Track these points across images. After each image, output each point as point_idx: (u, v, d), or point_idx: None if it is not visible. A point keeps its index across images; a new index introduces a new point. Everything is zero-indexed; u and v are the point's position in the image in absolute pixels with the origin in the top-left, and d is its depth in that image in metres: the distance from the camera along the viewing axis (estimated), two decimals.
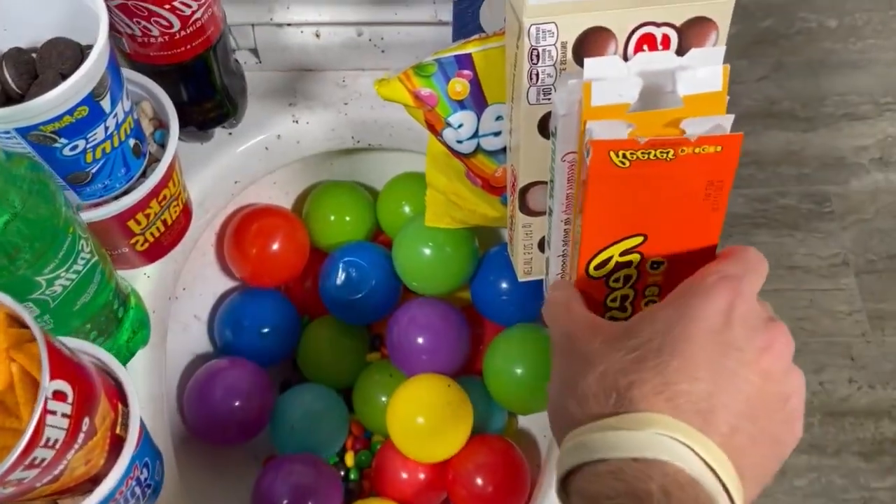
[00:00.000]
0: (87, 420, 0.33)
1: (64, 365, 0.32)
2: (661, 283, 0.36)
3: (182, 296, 0.61)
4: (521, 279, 0.52)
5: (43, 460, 0.31)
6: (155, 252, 0.51)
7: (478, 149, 0.48)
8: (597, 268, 0.36)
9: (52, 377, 0.30)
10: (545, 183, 0.45)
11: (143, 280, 0.52)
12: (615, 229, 0.35)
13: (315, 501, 0.54)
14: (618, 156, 0.33)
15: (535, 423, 0.62)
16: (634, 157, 0.33)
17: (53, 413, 0.30)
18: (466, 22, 0.47)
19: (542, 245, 0.50)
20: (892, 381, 0.91)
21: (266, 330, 0.62)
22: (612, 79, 0.35)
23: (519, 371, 0.57)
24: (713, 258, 0.34)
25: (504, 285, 0.60)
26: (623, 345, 0.29)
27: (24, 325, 0.33)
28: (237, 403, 0.57)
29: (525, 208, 0.47)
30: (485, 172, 0.50)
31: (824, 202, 1.03)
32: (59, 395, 0.31)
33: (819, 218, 1.01)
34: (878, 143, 1.07)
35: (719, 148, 0.33)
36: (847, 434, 0.89)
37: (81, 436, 0.33)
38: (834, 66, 1.12)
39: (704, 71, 0.35)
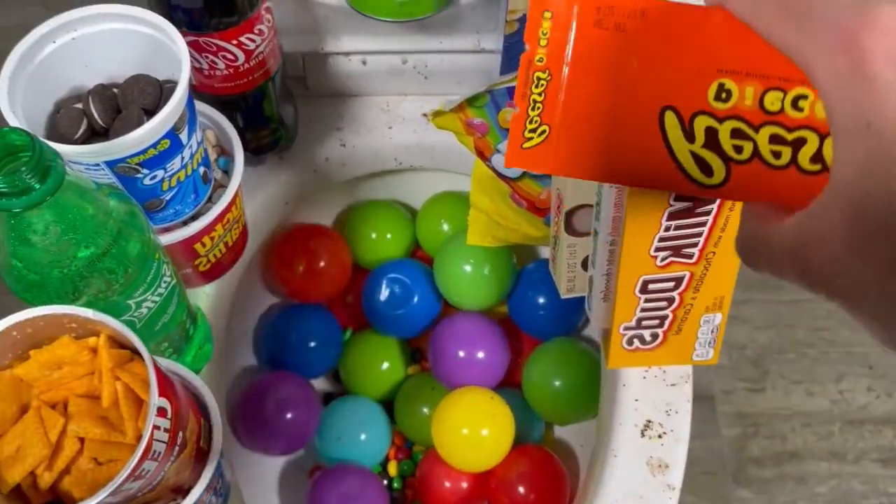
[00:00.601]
0: (181, 434, 0.36)
1: (164, 382, 0.34)
2: None
3: (233, 313, 0.63)
4: (563, 296, 0.54)
5: (148, 472, 0.33)
6: (215, 272, 0.54)
7: (524, 174, 0.51)
8: None
9: (158, 394, 0.33)
10: (591, 206, 0.48)
11: (203, 298, 0.55)
12: None
13: None
14: None
15: (572, 434, 0.64)
16: None
17: (158, 428, 0.33)
18: (515, 55, 0.50)
19: (584, 264, 0.52)
20: None
21: (312, 344, 0.65)
22: None
23: (557, 383, 0.60)
24: None
25: (541, 300, 0.63)
26: None
27: (123, 347, 0.35)
28: (287, 415, 0.60)
29: (570, 229, 0.50)
30: (530, 195, 0.52)
31: None
32: (161, 412, 0.33)
33: None
34: None
35: None
36: (866, 441, 0.91)
37: (177, 448, 0.35)
38: None
39: None
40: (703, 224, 0.42)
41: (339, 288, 0.67)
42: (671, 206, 0.40)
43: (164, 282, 0.41)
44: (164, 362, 0.39)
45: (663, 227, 0.42)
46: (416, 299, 0.64)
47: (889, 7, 0.18)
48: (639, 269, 0.44)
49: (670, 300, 0.46)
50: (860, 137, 0.19)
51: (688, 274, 0.45)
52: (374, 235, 0.67)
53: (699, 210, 0.41)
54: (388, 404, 0.67)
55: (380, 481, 0.62)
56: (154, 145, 0.41)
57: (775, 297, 0.99)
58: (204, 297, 0.55)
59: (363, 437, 0.62)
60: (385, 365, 0.67)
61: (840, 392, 0.94)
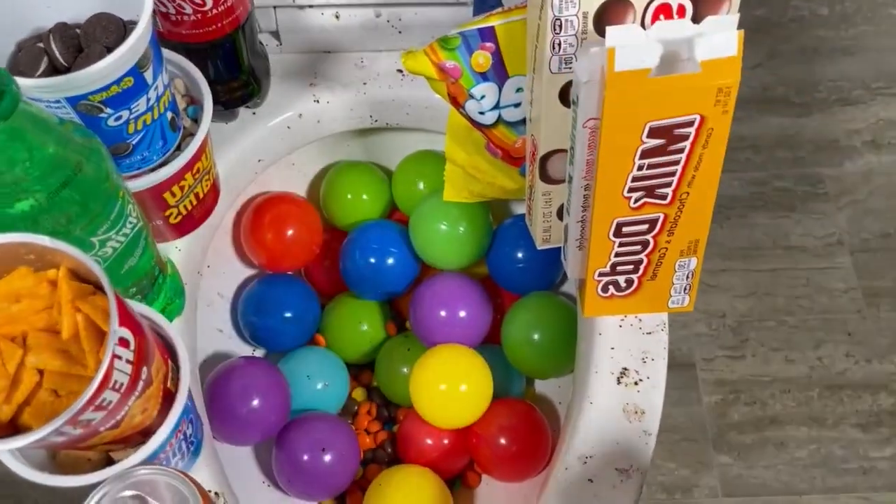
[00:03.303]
0: (145, 369, 0.35)
1: (126, 315, 0.33)
2: None
3: (206, 273, 0.62)
4: (539, 247, 0.54)
5: (110, 402, 0.32)
6: (186, 225, 0.53)
7: (499, 120, 0.50)
8: None
9: (119, 325, 0.32)
10: (565, 151, 0.48)
11: (174, 253, 0.54)
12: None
13: (335, 456, 0.56)
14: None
15: (552, 389, 0.64)
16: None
17: (119, 358, 0.32)
18: None
19: (560, 213, 0.52)
20: (887, 356, 0.94)
21: (288, 315, 0.64)
22: (635, 45, 0.37)
23: (536, 337, 0.59)
24: None
25: (519, 255, 0.62)
26: None
27: (85, 281, 0.35)
28: (255, 407, 0.56)
29: (545, 176, 0.49)
30: (505, 143, 0.52)
31: (819, 184, 1.05)
32: (123, 342, 0.33)
33: (814, 199, 1.04)
34: (870, 127, 1.10)
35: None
36: (845, 406, 0.92)
37: (141, 383, 0.35)
38: (826, 53, 1.15)
39: (720, 37, 0.37)
40: (676, 163, 0.42)
41: (312, 254, 0.66)
42: (644, 143, 0.40)
43: (130, 222, 0.40)
44: (131, 303, 0.38)
45: (636, 166, 0.41)
46: (392, 261, 0.63)
47: None
48: (612, 211, 0.44)
49: (644, 244, 0.46)
50: None
51: (662, 216, 0.45)
52: (349, 197, 0.67)
53: (672, 147, 0.41)
54: (372, 366, 0.66)
55: (349, 427, 0.61)
56: (117, 82, 0.40)
57: (755, 265, 1.00)
58: (175, 252, 0.54)
59: (320, 385, 0.61)
60: (364, 327, 0.66)
61: (819, 358, 0.95)
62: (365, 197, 0.67)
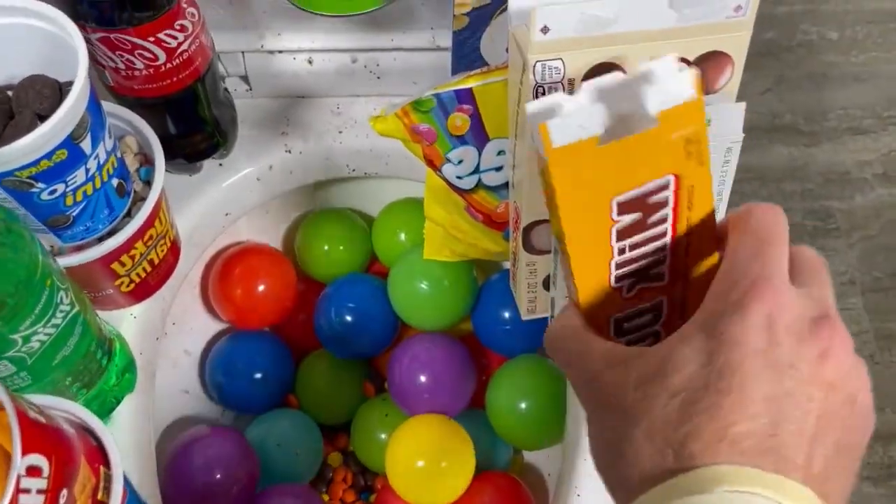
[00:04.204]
0: (65, 492, 0.31)
1: (39, 436, 0.29)
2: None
3: (171, 331, 0.58)
4: (524, 318, 0.50)
5: None
6: (141, 292, 0.49)
7: (479, 184, 0.46)
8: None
9: (26, 451, 0.28)
10: (548, 221, 0.43)
11: (129, 321, 0.50)
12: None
13: None
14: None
15: (542, 459, 0.60)
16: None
17: (27, 491, 0.28)
18: (466, 53, 0.45)
19: (546, 283, 0.48)
20: None
21: (258, 375, 0.60)
22: (570, 112, 0.31)
23: (523, 406, 0.55)
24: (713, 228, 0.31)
25: (506, 315, 0.58)
26: (661, 388, 0.26)
27: None
28: (217, 476, 0.53)
29: (529, 247, 0.45)
30: (486, 208, 0.48)
31: (829, 219, 1.01)
32: (33, 471, 0.29)
33: (824, 235, 1.00)
34: (882, 158, 1.05)
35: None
36: None
37: None
38: (836, 79, 1.11)
39: (671, 81, 0.31)
40: (662, 235, 0.36)
41: (286, 310, 0.62)
42: (616, 222, 0.34)
43: (61, 311, 0.36)
44: (53, 401, 0.34)
45: (616, 251, 0.35)
46: (368, 320, 0.59)
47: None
48: (605, 308, 0.37)
49: (655, 335, 0.40)
50: (707, 330, 0.27)
51: (664, 299, 0.39)
52: (326, 248, 0.62)
53: (652, 220, 0.35)
54: (347, 427, 0.62)
55: (321, 501, 0.57)
56: (48, 156, 0.36)
57: None
58: (130, 319, 0.50)
59: (292, 453, 0.58)
60: (340, 388, 0.62)
61: None
62: (342, 248, 0.63)
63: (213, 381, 0.61)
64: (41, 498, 0.29)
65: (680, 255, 0.36)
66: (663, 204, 0.33)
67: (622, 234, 0.34)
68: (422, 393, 0.56)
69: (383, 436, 0.58)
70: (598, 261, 0.34)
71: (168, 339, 0.58)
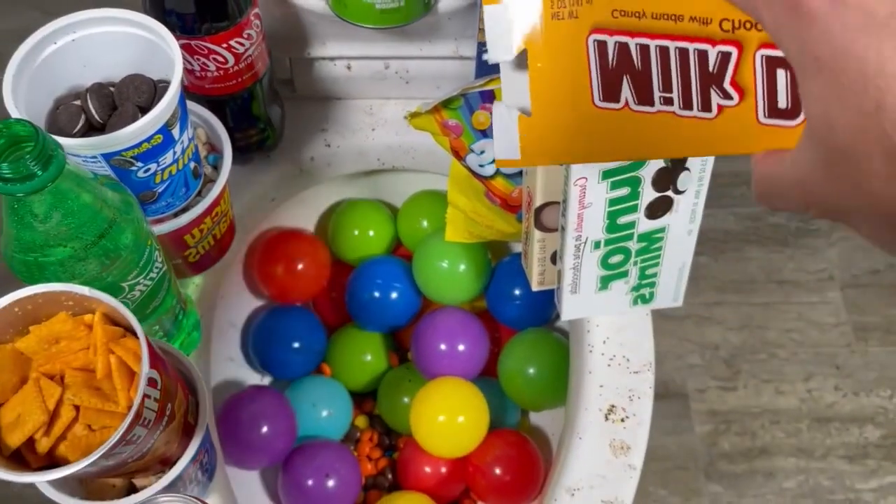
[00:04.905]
0: (169, 405, 0.38)
1: (154, 357, 0.37)
2: None
3: (220, 304, 0.66)
4: (535, 289, 0.57)
5: (138, 437, 0.36)
6: (203, 264, 0.57)
7: (497, 172, 0.54)
8: None
9: (151, 366, 0.36)
10: (558, 203, 0.51)
11: (192, 288, 0.58)
12: None
13: (338, 482, 0.59)
14: None
15: (546, 420, 0.67)
16: None
17: (149, 397, 0.36)
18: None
19: (554, 258, 0.55)
20: (875, 389, 0.97)
21: (296, 345, 0.67)
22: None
23: (531, 371, 0.63)
24: None
25: (517, 292, 0.66)
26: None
27: (117, 324, 0.38)
28: (263, 433, 0.60)
29: (540, 225, 0.53)
30: (503, 193, 0.55)
31: (811, 220, 1.09)
32: (151, 382, 0.36)
33: (806, 235, 1.08)
34: None
35: None
36: (833, 438, 0.94)
37: (165, 419, 0.38)
38: None
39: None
40: None
41: (320, 287, 0.70)
42: None
43: (156, 267, 0.44)
44: (156, 341, 0.42)
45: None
46: (395, 296, 0.67)
47: None
48: None
49: None
50: (813, 73, 0.19)
51: None
52: (356, 233, 0.70)
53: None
54: (372, 395, 0.70)
55: (352, 454, 0.65)
56: (148, 140, 0.44)
57: (748, 299, 1.03)
58: (193, 287, 0.58)
59: (325, 413, 0.65)
60: (368, 357, 0.70)
61: (808, 391, 0.98)
62: (371, 233, 0.71)
63: (255, 350, 0.68)
64: (156, 405, 0.37)
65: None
66: None
67: None
68: (442, 360, 0.64)
69: (406, 399, 0.66)
70: None
71: (216, 312, 0.65)
